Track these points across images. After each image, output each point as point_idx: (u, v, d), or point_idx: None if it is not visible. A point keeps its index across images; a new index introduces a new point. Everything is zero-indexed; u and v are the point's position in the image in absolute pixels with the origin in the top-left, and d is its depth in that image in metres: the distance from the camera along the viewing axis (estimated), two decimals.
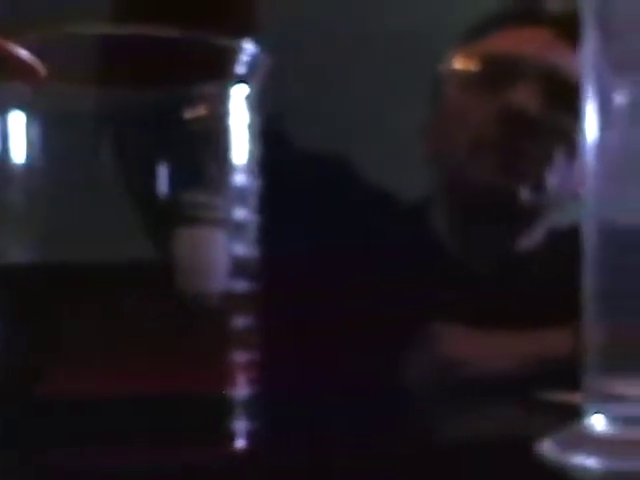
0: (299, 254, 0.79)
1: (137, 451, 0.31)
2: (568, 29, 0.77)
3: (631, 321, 0.36)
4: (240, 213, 0.33)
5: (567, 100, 0.70)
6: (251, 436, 0.33)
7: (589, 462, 0.34)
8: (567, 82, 0.79)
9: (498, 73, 0.85)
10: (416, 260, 0.83)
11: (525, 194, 0.83)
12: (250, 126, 0.34)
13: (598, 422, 0.36)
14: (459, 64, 0.90)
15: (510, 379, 0.67)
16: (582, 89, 0.39)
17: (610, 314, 0.37)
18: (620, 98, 0.39)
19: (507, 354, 0.70)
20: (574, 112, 0.40)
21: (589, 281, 0.38)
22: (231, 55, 0.34)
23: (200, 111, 0.33)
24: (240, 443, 0.33)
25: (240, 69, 0.34)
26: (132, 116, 0.33)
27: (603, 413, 0.36)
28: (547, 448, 0.36)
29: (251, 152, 0.33)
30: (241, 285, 0.32)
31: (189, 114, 0.33)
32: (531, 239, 0.87)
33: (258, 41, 0.34)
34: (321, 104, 1.24)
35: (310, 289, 0.78)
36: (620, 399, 0.36)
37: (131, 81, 0.32)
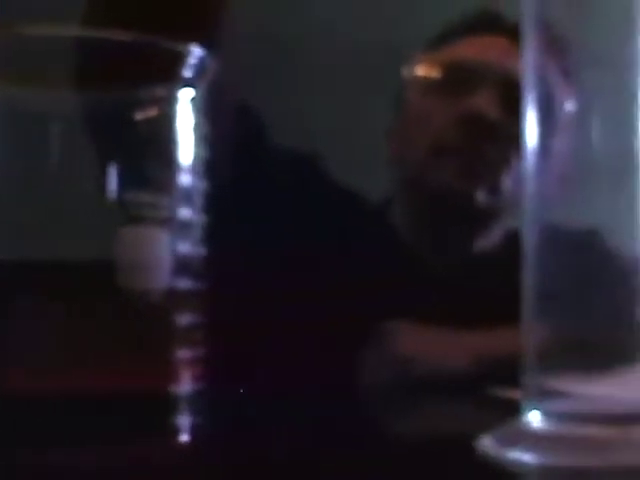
0: (254, 252, 0.79)
1: (84, 449, 0.31)
2: None
3: (567, 321, 0.37)
4: (185, 212, 0.33)
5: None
6: (195, 431, 0.33)
7: (525, 457, 0.35)
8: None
9: (459, 79, 0.86)
10: (376, 259, 0.84)
11: (482, 196, 0.84)
12: (196, 128, 0.34)
13: (535, 418, 0.37)
14: (422, 71, 0.91)
15: (464, 376, 0.68)
16: (524, 95, 0.40)
17: (548, 314, 0.38)
18: (570, 105, 0.40)
19: (461, 352, 0.71)
20: None
21: (529, 281, 0.38)
22: (180, 59, 0.34)
23: (150, 113, 0.34)
24: (184, 438, 0.33)
25: (188, 73, 0.34)
26: (83, 116, 0.33)
27: (540, 409, 0.37)
28: (487, 444, 0.37)
29: (197, 153, 0.34)
30: (185, 283, 0.32)
31: (139, 116, 0.33)
32: (489, 240, 0.88)
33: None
34: (291, 105, 1.25)
35: (264, 287, 0.78)
36: (555, 396, 0.36)
37: (84, 82, 0.33)
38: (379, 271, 0.82)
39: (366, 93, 1.03)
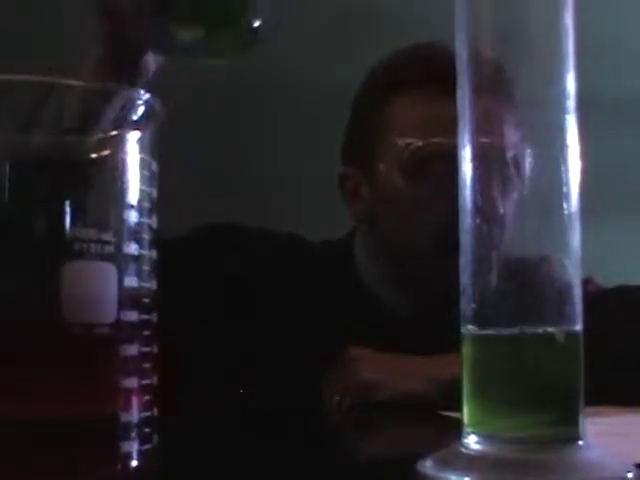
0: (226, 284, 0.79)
1: (35, 470, 0.30)
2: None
3: None
4: (132, 248, 0.32)
5: None
6: (142, 455, 0.32)
7: (460, 478, 0.34)
8: None
9: None
10: (339, 294, 0.83)
11: None
12: (144, 168, 0.33)
13: (472, 440, 0.36)
14: None
15: (421, 400, 0.67)
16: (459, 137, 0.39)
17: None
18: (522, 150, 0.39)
19: (417, 377, 0.69)
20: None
21: (465, 308, 0.38)
22: (130, 102, 0.33)
23: (100, 153, 0.33)
24: (132, 462, 0.32)
25: (137, 115, 0.33)
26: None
27: (476, 432, 0.36)
28: (426, 465, 0.36)
29: (143, 192, 0.33)
30: (132, 315, 0.32)
31: (89, 156, 0.33)
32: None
33: None
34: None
35: (233, 318, 0.78)
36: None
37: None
38: (344, 307, 0.82)
39: (332, 136, 1.02)
